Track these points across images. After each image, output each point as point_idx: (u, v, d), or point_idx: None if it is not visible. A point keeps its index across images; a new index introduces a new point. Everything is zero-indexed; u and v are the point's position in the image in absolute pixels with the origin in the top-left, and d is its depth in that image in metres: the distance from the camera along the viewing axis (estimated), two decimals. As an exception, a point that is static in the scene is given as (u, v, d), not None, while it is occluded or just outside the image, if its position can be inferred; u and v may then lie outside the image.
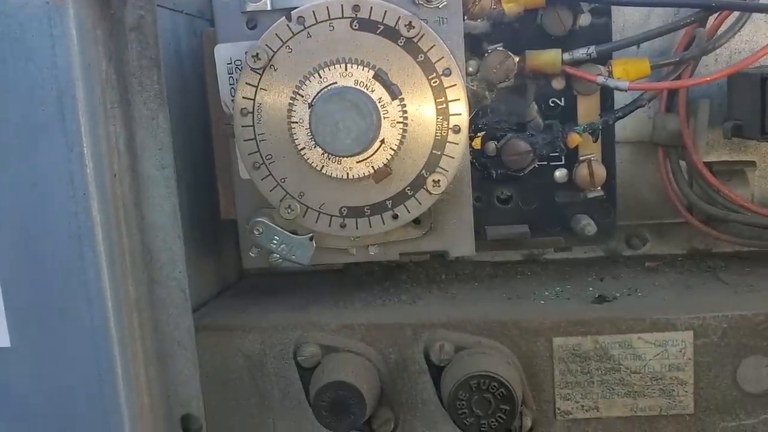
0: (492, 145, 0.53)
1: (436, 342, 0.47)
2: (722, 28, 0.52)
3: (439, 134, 0.47)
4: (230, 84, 0.49)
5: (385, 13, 0.46)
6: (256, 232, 0.49)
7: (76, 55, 0.39)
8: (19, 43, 0.39)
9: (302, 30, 0.46)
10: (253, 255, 0.51)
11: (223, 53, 0.49)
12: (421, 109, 0.47)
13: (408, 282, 0.57)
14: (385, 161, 0.47)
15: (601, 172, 0.53)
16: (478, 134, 0.54)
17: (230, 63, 0.49)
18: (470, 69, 0.52)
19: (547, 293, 0.52)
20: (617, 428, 0.49)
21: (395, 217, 0.49)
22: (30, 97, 0.39)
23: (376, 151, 0.46)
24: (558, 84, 0.54)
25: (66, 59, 0.39)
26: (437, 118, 0.47)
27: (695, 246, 0.62)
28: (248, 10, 0.48)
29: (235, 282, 0.61)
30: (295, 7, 0.47)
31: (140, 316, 0.44)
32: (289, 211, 0.48)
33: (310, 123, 0.46)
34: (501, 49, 0.52)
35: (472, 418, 0.44)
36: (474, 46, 0.52)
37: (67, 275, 0.41)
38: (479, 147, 0.54)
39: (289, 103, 0.47)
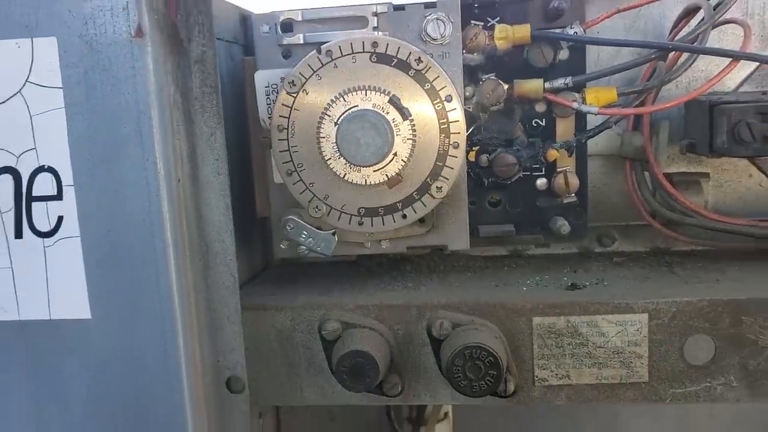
0: (484, 158, 0.60)
1: (437, 320, 0.54)
2: (680, 61, 0.59)
3: (441, 149, 0.54)
4: (267, 104, 0.57)
5: (398, 49, 0.53)
6: (288, 228, 0.57)
7: (152, 84, 0.47)
8: (107, 73, 0.47)
9: (330, 61, 0.53)
10: (283, 247, 0.59)
11: (262, 78, 0.57)
12: (427, 128, 0.53)
13: (412, 272, 0.64)
14: (397, 171, 0.53)
15: (574, 181, 0.60)
16: (474, 148, 0.60)
17: (267, 86, 0.57)
18: (467, 94, 0.59)
19: (528, 282, 0.59)
20: (585, 393, 0.55)
21: (404, 216, 0.55)
22: (115, 118, 0.47)
23: (389, 162, 0.53)
24: (540, 108, 0.60)
25: (144, 87, 0.47)
26: (440, 136, 0.54)
27: (657, 245, 0.68)
28: (284, 43, 0.56)
29: (262, 271, 0.68)
30: (324, 42, 0.53)
31: (197, 296, 0.51)
32: (316, 210, 0.55)
33: (336, 138, 0.52)
34: (493, 78, 0.59)
35: (465, 381, 0.52)
36: (471, 75, 0.59)
37: (141, 261, 0.49)
38: (474, 159, 0.60)
39: (318, 122, 0.53)
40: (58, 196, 0.49)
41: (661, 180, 0.62)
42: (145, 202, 0.48)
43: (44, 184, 0.49)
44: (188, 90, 0.50)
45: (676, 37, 0.61)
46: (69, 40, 0.47)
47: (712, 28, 0.57)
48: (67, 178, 0.49)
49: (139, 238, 0.49)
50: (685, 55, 0.58)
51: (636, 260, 0.66)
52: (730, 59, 0.53)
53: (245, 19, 0.66)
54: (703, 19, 0.57)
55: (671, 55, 0.59)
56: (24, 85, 0.48)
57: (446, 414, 0.72)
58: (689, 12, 0.61)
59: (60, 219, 0.49)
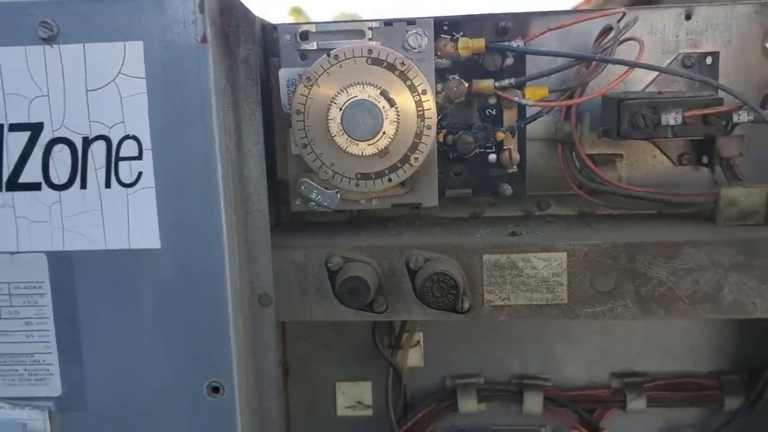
0: (450, 138, 0.73)
1: (413, 256, 0.68)
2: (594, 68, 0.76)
3: (418, 130, 0.67)
4: (288, 94, 0.71)
5: (387, 55, 0.66)
6: (302, 188, 0.71)
7: (211, 77, 0.60)
8: (179, 68, 0.61)
9: (336, 63, 0.66)
10: (298, 203, 0.73)
11: (284, 75, 0.71)
12: (408, 114, 0.66)
13: (395, 226, 0.77)
14: (386, 145, 0.65)
15: (516, 156, 0.74)
16: (442, 131, 0.73)
17: (288, 81, 0.71)
18: (438, 89, 0.73)
19: (481, 231, 0.73)
20: (521, 312, 0.69)
21: (390, 180, 0.68)
22: (184, 101, 0.61)
23: (380, 139, 0.65)
24: (492, 101, 0.74)
25: (205, 79, 0.60)
26: (417, 120, 0.66)
27: (583, 209, 0.81)
28: (302, 48, 0.71)
29: (274, 227, 0.82)
30: (333, 48, 0.68)
31: (238, 233, 0.64)
32: (324, 174, 0.69)
33: (340, 120, 0.64)
34: (457, 78, 0.73)
35: (432, 298, 0.65)
36: (440, 75, 0.72)
37: (199, 207, 0.61)
38: (442, 139, 0.73)
39: (327, 107, 0.65)
40: (140, 157, 0.62)
41: (585, 159, 0.76)
42: (204, 164, 0.61)
43: (129, 148, 0.64)
44: (236, 82, 0.63)
45: (598, 47, 0.80)
46: (152, 44, 0.61)
47: (618, 44, 0.76)
48: (146, 143, 0.62)
49: (198, 190, 0.61)
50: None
51: (565, 220, 0.79)
52: (627, 67, 0.72)
53: (265, 27, 0.83)
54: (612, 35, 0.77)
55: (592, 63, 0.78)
56: (117, 75, 0.63)
57: (418, 341, 0.90)
58: (606, 30, 0.78)
59: (140, 174, 0.62)
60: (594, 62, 0.77)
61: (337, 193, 0.71)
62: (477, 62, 0.74)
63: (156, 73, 0.62)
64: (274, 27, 0.75)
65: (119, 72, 0.63)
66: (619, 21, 0.76)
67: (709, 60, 0.81)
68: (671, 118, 0.72)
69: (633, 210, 0.79)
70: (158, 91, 0.62)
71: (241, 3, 0.65)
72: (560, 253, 0.70)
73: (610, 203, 0.80)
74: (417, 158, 0.69)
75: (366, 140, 0.66)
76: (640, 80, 0.80)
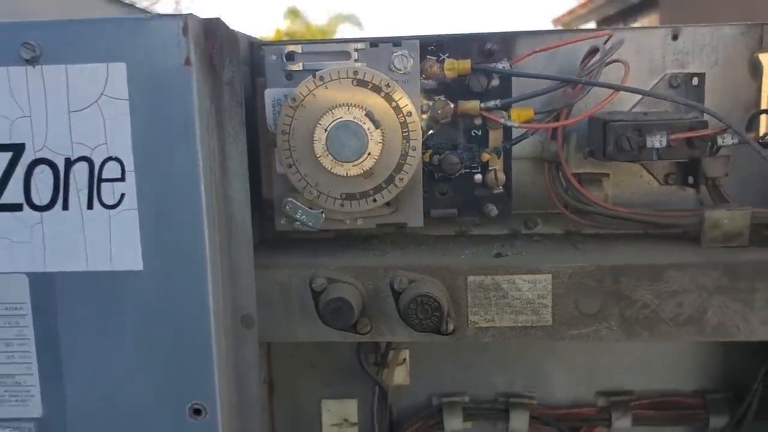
0: (436, 158, 0.74)
1: (397, 277, 0.67)
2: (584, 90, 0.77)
3: (403, 150, 0.67)
4: (273, 113, 0.72)
5: (373, 77, 0.66)
6: (287, 208, 0.72)
7: (195, 99, 0.61)
8: (163, 90, 0.61)
9: (322, 84, 0.66)
10: (283, 222, 0.74)
11: (270, 95, 0.72)
12: (393, 135, 0.67)
13: (379, 245, 0.78)
14: (371, 166, 0.66)
15: (502, 177, 0.74)
16: (428, 151, 0.73)
17: (274, 101, 0.72)
18: (423, 110, 0.74)
19: (467, 252, 0.73)
20: (505, 333, 0.69)
21: (375, 200, 0.69)
22: (167, 122, 0.62)
23: (365, 160, 0.66)
24: (477, 121, 0.73)
25: (189, 101, 0.61)
26: (402, 141, 0.67)
27: (569, 228, 0.80)
28: (288, 69, 0.72)
29: (259, 243, 0.82)
30: (318, 69, 0.69)
31: (222, 253, 0.65)
32: (309, 194, 0.70)
33: (325, 141, 0.65)
34: (443, 98, 0.73)
35: (416, 320, 0.65)
36: (426, 95, 0.73)
37: (182, 227, 0.63)
38: (428, 159, 0.73)
39: (312, 128, 0.65)
40: (122, 179, 0.63)
41: (571, 179, 0.76)
42: (187, 184, 0.62)
43: (112, 170, 0.64)
44: (220, 103, 0.64)
45: (584, 69, 0.80)
46: (135, 66, 0.62)
47: (604, 66, 0.76)
48: (129, 165, 0.63)
49: (182, 211, 0.62)
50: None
51: (551, 239, 0.79)
52: (612, 90, 0.72)
53: (253, 45, 0.83)
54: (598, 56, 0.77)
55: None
56: (100, 97, 0.63)
57: (404, 359, 0.90)
58: (592, 51, 0.78)
59: (122, 196, 0.63)
60: (580, 85, 0.76)
61: (321, 213, 0.72)
62: (463, 83, 0.74)
63: (139, 95, 0.63)
64: (261, 45, 0.75)
65: (102, 93, 0.63)
66: (605, 42, 0.77)
67: (695, 81, 0.81)
68: (656, 141, 0.72)
69: (619, 230, 0.78)
70: (141, 112, 0.63)
71: (226, 25, 0.65)
72: (545, 275, 0.70)
73: (596, 223, 0.79)
74: (402, 179, 0.70)
75: (351, 161, 0.67)
76: (627, 100, 0.81)
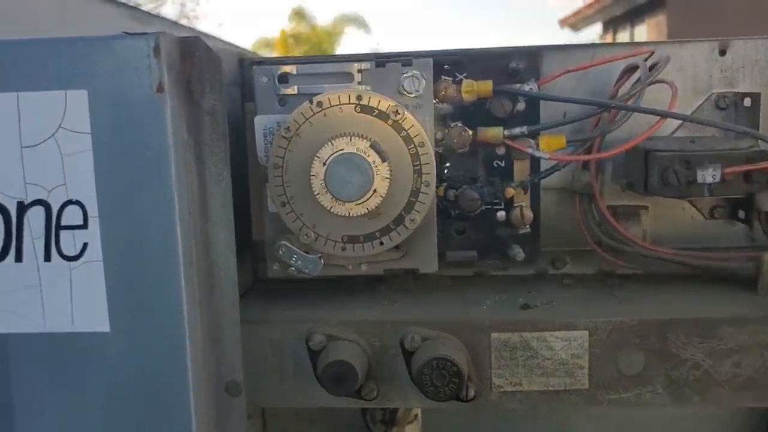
0: (452, 193, 0.66)
1: (409, 334, 0.60)
2: (618, 116, 0.66)
3: (414, 187, 0.60)
4: (265, 144, 0.64)
5: (379, 102, 0.59)
6: (280, 252, 0.63)
7: (169, 131, 0.53)
8: (131, 121, 0.53)
9: (320, 111, 0.59)
10: (276, 268, 0.65)
11: (261, 122, 0.63)
12: (403, 169, 0.60)
13: (387, 291, 0.70)
14: (376, 205, 0.59)
15: (529, 215, 0.66)
16: (443, 184, 0.66)
17: (265, 129, 0.63)
18: (438, 137, 0.65)
19: (488, 301, 0.65)
20: (535, 398, 0.61)
21: (381, 243, 0.62)
22: (137, 159, 0.53)
23: (370, 198, 0.59)
24: (500, 151, 0.66)
25: (162, 133, 0.53)
26: (414, 176, 0.60)
27: (602, 268, 0.73)
28: (281, 93, 0.63)
29: (251, 287, 0.74)
30: (316, 94, 0.60)
31: (202, 311, 0.57)
32: (306, 237, 0.62)
33: (324, 176, 0.58)
34: (460, 125, 0.65)
35: (432, 387, 0.58)
36: (441, 121, 0.65)
37: (155, 281, 0.54)
38: (443, 194, 0.66)
39: (309, 162, 0.58)
40: (84, 226, 0.55)
41: (605, 213, 0.69)
42: (162, 230, 0.54)
43: (72, 215, 0.55)
44: (200, 136, 0.56)
45: (619, 90, 0.70)
46: (98, 93, 0.53)
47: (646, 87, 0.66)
48: (92, 210, 0.54)
49: (154, 261, 0.54)
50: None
51: (583, 282, 0.72)
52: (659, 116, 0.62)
53: (243, 60, 0.74)
54: (639, 77, 0.67)
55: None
56: (57, 130, 0.54)
57: (416, 416, 0.80)
58: (630, 69, 0.68)
59: (85, 245, 0.55)
60: (615, 111, 0.67)
61: (320, 258, 0.64)
62: (483, 107, 0.66)
63: (103, 128, 0.54)
64: (252, 64, 0.66)
65: (60, 126, 0.54)
66: (646, 60, 0.67)
67: (747, 101, 0.71)
68: (708, 176, 0.62)
69: (660, 270, 0.70)
70: (106, 148, 0.54)
71: (205, 44, 0.55)
72: (581, 331, 0.62)
73: (633, 265, 0.71)
74: (413, 219, 0.62)
75: (354, 200, 0.59)
76: (669, 123, 0.71)
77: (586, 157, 0.65)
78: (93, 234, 0.55)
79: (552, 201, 0.73)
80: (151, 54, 0.53)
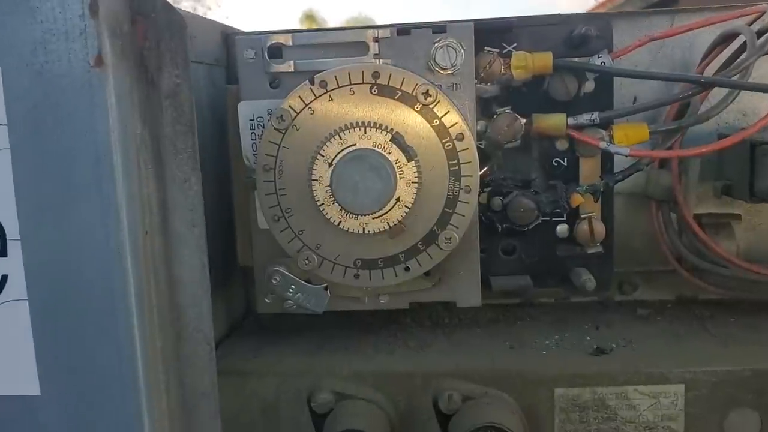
0: (498, 201, 0.55)
1: (445, 392, 0.49)
2: (716, 98, 0.53)
3: (451, 194, 0.49)
4: (252, 139, 0.51)
5: (403, 80, 0.48)
6: (274, 281, 0.51)
7: (114, 121, 0.40)
8: (59, 108, 0.40)
9: (324, 93, 0.48)
10: (268, 301, 0.53)
11: (246, 110, 0.51)
12: (435, 170, 0.48)
13: (413, 326, 0.58)
14: (400, 218, 0.48)
15: (601, 229, 0.55)
16: (486, 190, 0.55)
17: (252, 119, 0.51)
18: (480, 129, 0.53)
19: (547, 342, 0.54)
20: None
21: (407, 269, 0.50)
22: (69, 160, 0.40)
23: (391, 209, 0.48)
24: (562, 146, 0.55)
25: (104, 125, 0.40)
26: (450, 179, 0.49)
27: (683, 293, 0.63)
28: (272, 71, 0.50)
29: (243, 317, 0.62)
30: (318, 71, 0.48)
31: (167, 369, 0.44)
32: (307, 262, 0.49)
33: (330, 182, 0.47)
34: (509, 112, 0.53)
35: None
36: (484, 108, 0.54)
37: (98, 329, 0.42)
38: (486, 202, 0.55)
39: (310, 162, 0.48)
40: (2, 253, 0.42)
41: (691, 224, 0.58)
42: (105, 260, 0.41)
43: None
44: (158, 128, 0.43)
45: (708, 67, 0.56)
46: (15, 69, 0.40)
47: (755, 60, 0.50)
48: (12, 231, 0.42)
49: (97, 302, 0.42)
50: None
51: (661, 311, 0.62)
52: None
53: (228, 36, 0.60)
54: (740, 47, 0.51)
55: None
56: None
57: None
58: (725, 39, 0.55)
59: (4, 278, 0.42)
60: (709, 90, 0.53)
61: (326, 289, 0.52)
62: (539, 88, 0.55)
63: (23, 117, 0.41)
64: (231, 35, 0.52)
65: (-37, 116, 0.42)
66: (751, 24, 0.51)
67: None
68: None
69: (753, 296, 0.60)
70: (28, 145, 0.41)
71: (165, 1, 0.40)
72: (674, 385, 0.50)
73: (725, 289, 0.60)
74: (449, 238, 0.50)
75: (370, 212, 0.48)
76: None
77: (681, 153, 0.50)
78: (14, 264, 0.42)
79: (619, 209, 0.61)
80: (86, 13, 0.40)
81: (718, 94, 0.56)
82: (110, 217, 0.41)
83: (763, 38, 0.51)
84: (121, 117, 0.41)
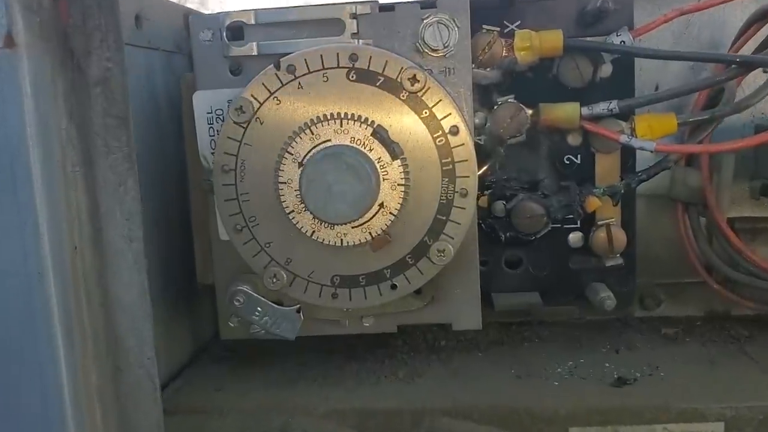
0: (500, 205, 0.49)
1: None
2: (754, 85, 0.47)
3: (444, 198, 0.44)
4: (210, 135, 0.45)
5: (386, 64, 0.43)
6: (237, 303, 0.45)
7: (31, 113, 0.35)
8: None
9: (293, 80, 0.42)
10: (232, 325, 0.47)
11: (203, 101, 0.45)
12: (425, 170, 0.43)
13: (404, 350, 0.52)
14: (384, 227, 0.43)
15: (621, 237, 0.49)
16: (485, 192, 0.50)
17: (210, 112, 0.46)
18: (478, 122, 0.47)
19: (559, 370, 0.48)
20: None
21: (393, 287, 0.45)
22: None
23: (374, 216, 0.43)
24: (574, 140, 0.49)
25: (18, 117, 0.34)
26: (443, 180, 0.44)
27: (714, 308, 0.58)
28: (232, 54, 0.43)
29: (211, 339, 0.56)
30: (285, 54, 0.42)
31: (103, 407, 0.39)
32: (274, 280, 0.44)
33: (300, 185, 0.42)
34: (512, 101, 0.48)
35: None
36: (482, 96, 0.49)
37: (17, 363, 0.37)
38: (486, 207, 0.50)
39: (277, 162, 0.43)
40: None
41: (724, 229, 0.53)
42: (22, 281, 0.36)
43: None
44: (87, 123, 0.37)
45: (741, 49, 0.50)
46: None
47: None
48: None
49: (14, 332, 0.37)
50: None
51: (690, 332, 0.56)
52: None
53: (189, 20, 0.53)
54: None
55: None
56: None
57: None
58: (764, 15, 0.48)
59: None
60: (747, 73, 0.47)
61: (298, 311, 0.46)
62: (548, 73, 0.49)
63: None
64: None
65: None
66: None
67: None
68: None
69: None
70: None
71: (93, -32, 0.34)
72: (712, 424, 0.44)
73: (760, 301, 0.55)
74: (443, 251, 0.44)
75: (348, 220, 0.43)
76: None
77: (715, 147, 0.43)
78: None
79: (639, 212, 0.56)
80: (-10, -19, 0.33)
81: (752, 81, 0.51)
82: (29, 232, 0.36)
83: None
84: (40, 108, 0.35)
